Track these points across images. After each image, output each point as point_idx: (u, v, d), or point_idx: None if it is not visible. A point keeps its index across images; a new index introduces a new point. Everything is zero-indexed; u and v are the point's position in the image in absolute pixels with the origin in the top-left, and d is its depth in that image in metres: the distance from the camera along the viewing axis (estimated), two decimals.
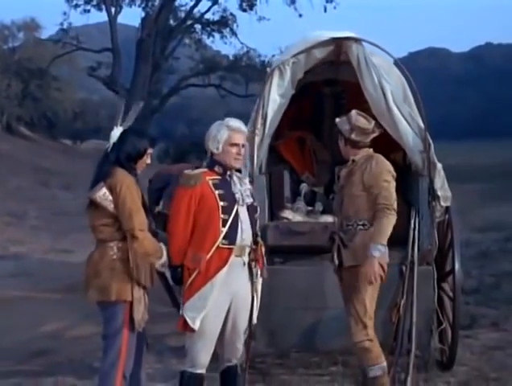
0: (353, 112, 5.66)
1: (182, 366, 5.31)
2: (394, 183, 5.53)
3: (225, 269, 5.01)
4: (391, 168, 5.58)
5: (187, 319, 5.00)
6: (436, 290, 6.53)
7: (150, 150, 5.17)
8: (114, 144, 5.09)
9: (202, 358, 5.11)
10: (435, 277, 6.50)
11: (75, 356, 7.40)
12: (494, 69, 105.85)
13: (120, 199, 4.92)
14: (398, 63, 6.69)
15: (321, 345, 6.73)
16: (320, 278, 6.43)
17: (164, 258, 5.09)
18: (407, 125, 6.42)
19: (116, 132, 5.14)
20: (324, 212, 7.13)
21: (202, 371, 5.15)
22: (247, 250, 5.10)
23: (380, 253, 5.32)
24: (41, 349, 7.77)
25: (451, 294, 6.63)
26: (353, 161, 5.56)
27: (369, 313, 5.44)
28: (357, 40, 6.52)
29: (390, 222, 5.40)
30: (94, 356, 7.18)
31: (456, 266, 6.42)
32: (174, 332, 7.69)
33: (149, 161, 5.22)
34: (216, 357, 5.28)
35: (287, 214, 6.87)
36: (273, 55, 39.53)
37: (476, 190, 27.47)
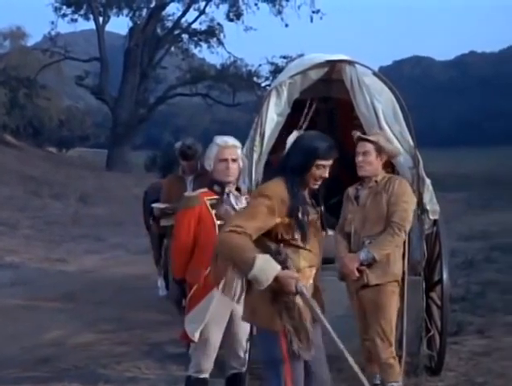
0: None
1: (186, 371, 5.52)
2: (412, 208, 5.63)
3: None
4: (412, 193, 5.74)
5: (188, 331, 5.24)
6: (425, 299, 6.69)
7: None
8: None
9: (205, 364, 5.34)
10: (424, 286, 6.67)
11: (79, 363, 7.48)
12: (478, 77, 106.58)
13: None
14: (393, 88, 6.83)
15: None
16: None
17: None
18: (398, 144, 6.53)
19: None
20: None
21: (206, 375, 5.38)
22: None
23: (365, 261, 5.48)
24: (45, 356, 7.83)
25: (439, 303, 6.74)
26: (376, 182, 5.64)
27: (393, 331, 5.62)
28: (350, 62, 6.75)
29: (394, 241, 5.51)
30: (98, 363, 7.40)
31: (445, 276, 6.54)
32: (172, 339, 7.85)
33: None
34: (222, 364, 5.51)
35: None
36: (259, 65, 39.97)
37: (461, 198, 27.66)
